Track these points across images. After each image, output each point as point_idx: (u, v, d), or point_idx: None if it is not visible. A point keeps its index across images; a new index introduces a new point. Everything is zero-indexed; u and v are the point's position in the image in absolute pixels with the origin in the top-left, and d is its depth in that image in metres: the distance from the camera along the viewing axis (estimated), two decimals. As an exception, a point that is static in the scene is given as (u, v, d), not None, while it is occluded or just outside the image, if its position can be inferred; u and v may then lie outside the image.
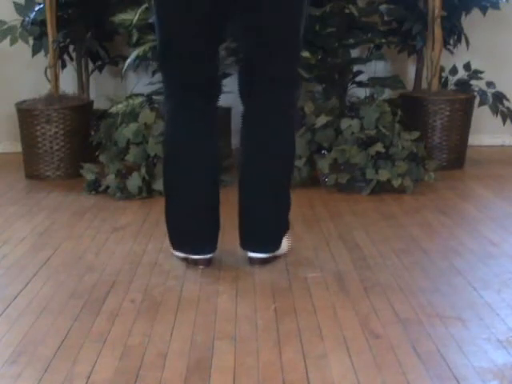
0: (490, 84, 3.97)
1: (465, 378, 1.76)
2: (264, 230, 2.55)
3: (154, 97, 3.81)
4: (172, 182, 2.53)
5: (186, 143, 2.48)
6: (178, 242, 2.59)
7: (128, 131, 3.49)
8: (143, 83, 4.20)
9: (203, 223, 2.54)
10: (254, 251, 2.55)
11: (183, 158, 2.49)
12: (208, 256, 2.54)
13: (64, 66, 4.17)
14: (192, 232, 2.54)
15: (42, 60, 4.05)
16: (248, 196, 2.53)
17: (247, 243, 2.57)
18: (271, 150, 2.49)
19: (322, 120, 3.53)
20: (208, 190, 2.51)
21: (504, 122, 3.94)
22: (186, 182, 2.50)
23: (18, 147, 4.02)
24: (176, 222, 2.57)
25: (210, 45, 2.45)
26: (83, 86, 4.20)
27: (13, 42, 3.92)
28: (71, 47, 4.17)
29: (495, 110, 3.91)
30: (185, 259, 2.58)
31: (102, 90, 4.40)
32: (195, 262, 2.54)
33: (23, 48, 4.08)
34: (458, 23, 4.12)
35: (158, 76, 3.98)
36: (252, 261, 2.55)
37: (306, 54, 3.61)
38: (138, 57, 3.69)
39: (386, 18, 4.12)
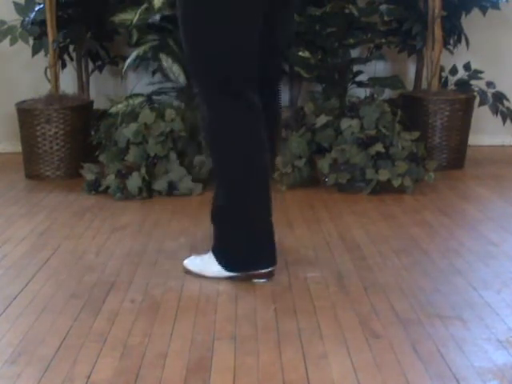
0: (490, 84, 3.96)
1: (465, 378, 1.76)
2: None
3: (154, 97, 3.81)
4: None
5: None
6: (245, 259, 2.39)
7: (128, 131, 3.49)
8: (143, 83, 4.20)
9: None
10: None
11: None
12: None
13: (64, 65, 4.17)
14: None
15: (42, 60, 4.05)
16: None
17: None
18: None
19: (321, 120, 3.53)
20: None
21: (504, 121, 3.94)
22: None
23: (18, 147, 4.02)
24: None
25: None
26: (83, 86, 4.20)
27: (13, 42, 3.92)
28: (71, 47, 4.17)
29: (495, 110, 3.91)
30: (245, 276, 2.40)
31: (102, 90, 4.40)
32: (262, 276, 2.39)
33: (23, 48, 4.08)
34: (458, 23, 4.12)
35: (158, 76, 3.99)
36: None
37: (305, 53, 3.61)
38: (137, 57, 3.69)
39: (385, 18, 4.11)
